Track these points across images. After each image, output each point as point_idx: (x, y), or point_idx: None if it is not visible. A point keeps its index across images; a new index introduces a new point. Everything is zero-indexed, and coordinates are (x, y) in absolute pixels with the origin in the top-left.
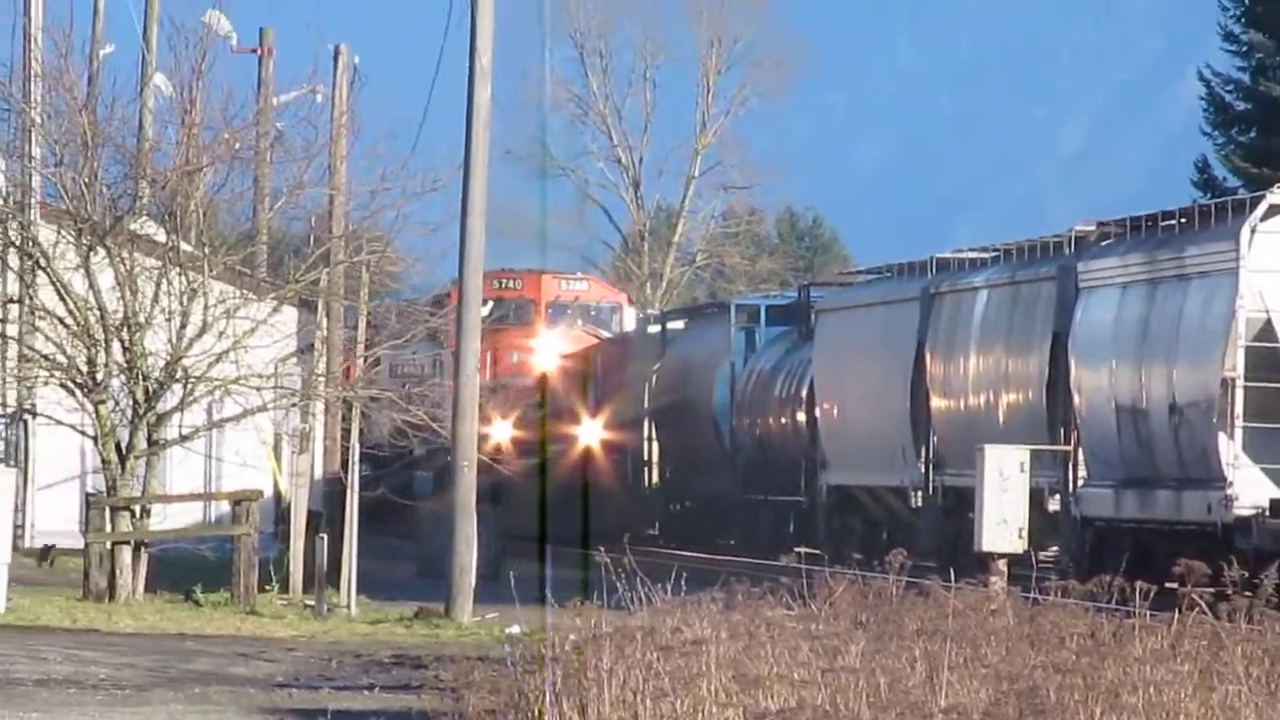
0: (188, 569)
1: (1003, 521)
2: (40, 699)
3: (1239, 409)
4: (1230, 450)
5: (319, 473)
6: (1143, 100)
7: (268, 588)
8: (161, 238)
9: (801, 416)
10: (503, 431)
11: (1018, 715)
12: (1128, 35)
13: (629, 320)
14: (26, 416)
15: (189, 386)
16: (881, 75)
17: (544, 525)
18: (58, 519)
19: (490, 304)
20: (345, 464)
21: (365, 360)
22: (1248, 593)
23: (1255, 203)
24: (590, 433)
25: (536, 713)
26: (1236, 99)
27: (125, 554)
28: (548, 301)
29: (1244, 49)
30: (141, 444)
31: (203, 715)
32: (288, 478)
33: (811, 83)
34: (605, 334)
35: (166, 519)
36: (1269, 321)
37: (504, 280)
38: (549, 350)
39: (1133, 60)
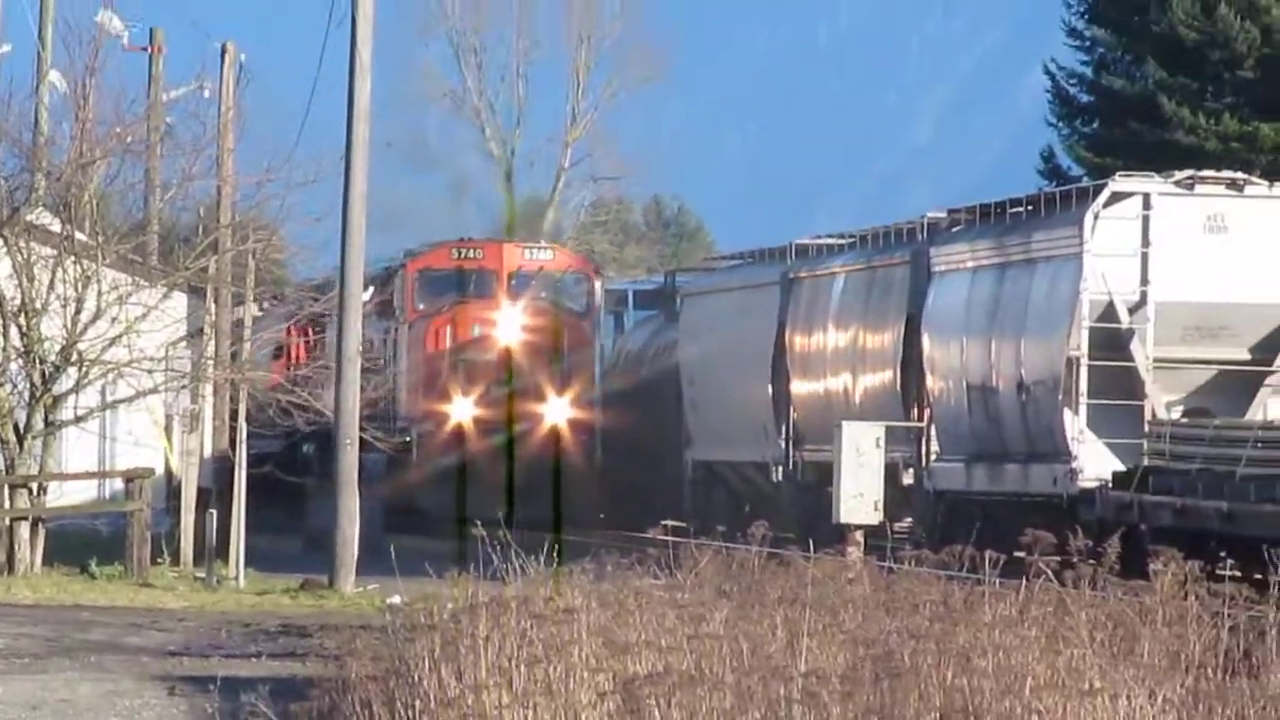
0: (83, 543)
1: (859, 495)
2: None
3: (1083, 387)
4: (1075, 426)
5: (208, 451)
6: (988, 91)
7: (160, 561)
8: (57, 228)
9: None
10: (464, 410)
11: (874, 679)
12: (973, 27)
13: (598, 292)
14: None
15: (84, 369)
16: (744, 68)
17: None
18: None
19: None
20: (233, 443)
21: (251, 344)
22: (1091, 561)
23: (1098, 191)
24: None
25: (416, 679)
26: (1080, 92)
27: (23, 529)
28: (510, 271)
29: (1087, 44)
30: (39, 424)
31: (98, 683)
32: (178, 456)
33: (677, 76)
34: (572, 306)
35: (63, 495)
36: (1111, 303)
37: (464, 250)
38: (512, 322)
39: (978, 51)
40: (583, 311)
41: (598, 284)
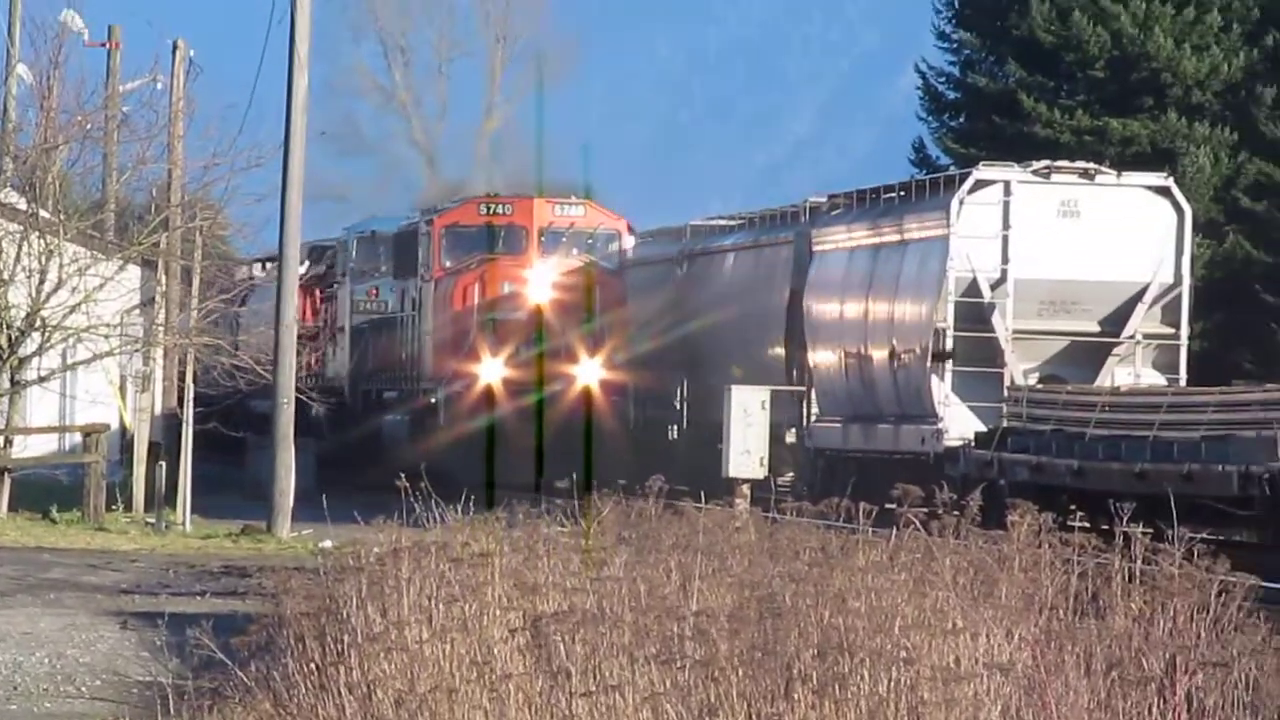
0: (45, 491)
1: (746, 452)
2: None
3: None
4: (941, 390)
5: (159, 409)
6: (865, 88)
7: (114, 508)
8: (23, 206)
9: None
10: (494, 370)
11: (758, 618)
12: (851, 31)
13: (630, 248)
14: None
15: (46, 334)
16: (643, 68)
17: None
18: None
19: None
20: (181, 401)
21: (199, 312)
22: (955, 513)
23: (963, 179)
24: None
25: (344, 616)
26: (948, 89)
27: None
28: (540, 227)
29: (954, 46)
30: (4, 384)
31: (57, 617)
32: (132, 413)
33: (583, 75)
34: (603, 263)
35: (27, 448)
36: (975, 280)
37: (492, 205)
38: (543, 280)
39: (855, 53)
40: (615, 269)
41: (630, 240)
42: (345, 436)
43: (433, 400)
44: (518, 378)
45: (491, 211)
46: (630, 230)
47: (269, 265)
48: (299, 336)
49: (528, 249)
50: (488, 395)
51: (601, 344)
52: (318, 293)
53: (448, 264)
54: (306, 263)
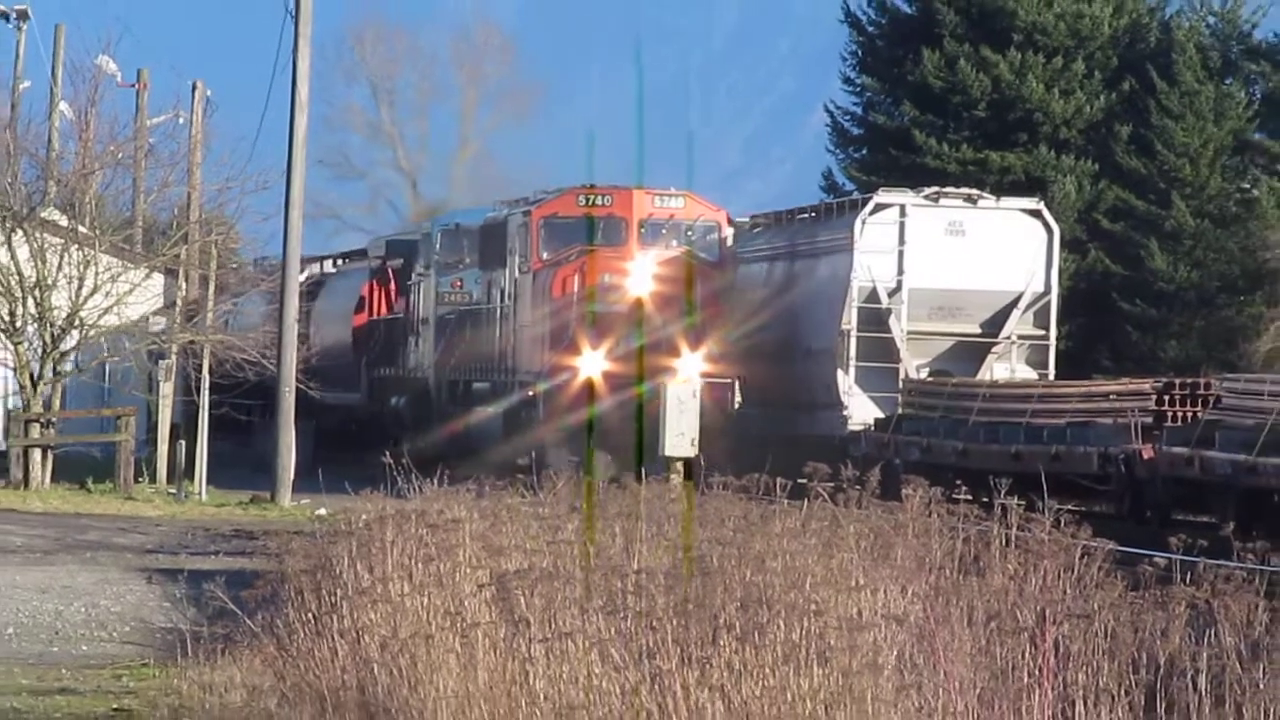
0: (82, 466)
1: (681, 434)
2: None
3: (853, 352)
4: (846, 382)
5: (179, 395)
6: (783, 125)
7: (140, 480)
8: (64, 222)
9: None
10: (594, 363)
11: (690, 575)
12: (771, 75)
13: (728, 239)
14: None
15: (84, 332)
16: (592, 107)
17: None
18: None
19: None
20: (198, 389)
21: (213, 312)
22: (858, 487)
23: (865, 202)
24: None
25: (337, 572)
26: (853, 126)
27: (36, 454)
28: (640, 219)
29: (858, 89)
30: (49, 374)
31: (92, 573)
32: (156, 398)
33: (543, 112)
34: (704, 255)
35: (67, 428)
36: (875, 289)
37: (591, 197)
38: (643, 272)
39: (774, 95)
40: (715, 260)
41: (729, 232)
42: (430, 426)
43: (530, 392)
44: (619, 371)
45: (591, 203)
46: (730, 222)
47: (339, 262)
48: (374, 326)
49: (628, 240)
50: (588, 388)
51: (703, 337)
52: (392, 285)
53: (546, 255)
54: (378, 259)
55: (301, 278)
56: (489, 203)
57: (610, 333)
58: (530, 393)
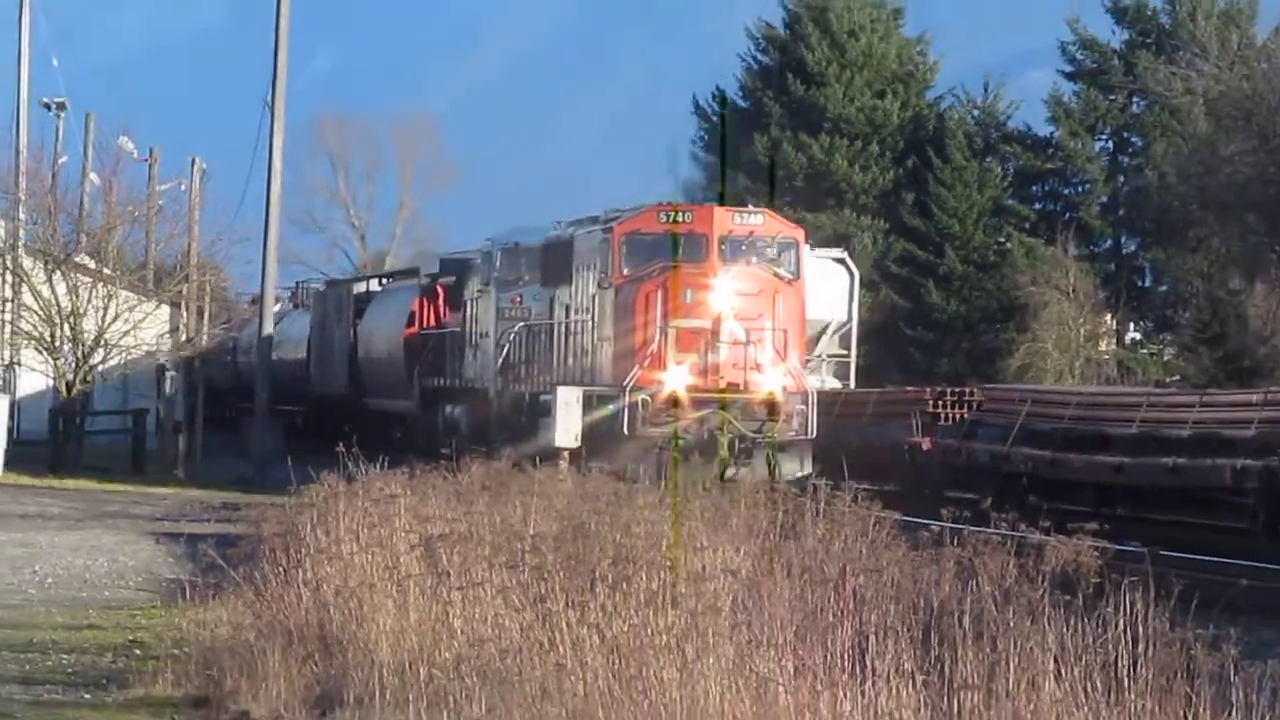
0: (108, 452)
1: (566, 430)
2: (22, 525)
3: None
4: None
5: (181, 398)
6: (648, 196)
7: (152, 465)
8: (92, 265)
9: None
10: (679, 377)
11: (573, 538)
12: (633, 154)
13: (805, 258)
14: (16, 366)
15: (107, 350)
16: (504, 182)
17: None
18: (33, 424)
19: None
20: (194, 392)
21: (208, 335)
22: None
23: None
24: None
25: (301, 535)
26: (699, 194)
27: (70, 445)
28: (720, 235)
29: (705, 167)
30: (79, 383)
31: (114, 535)
32: (162, 401)
33: (462, 184)
34: (782, 272)
35: (95, 424)
36: None
37: (672, 214)
38: (725, 289)
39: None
40: (793, 277)
41: (805, 249)
42: (489, 433)
43: (610, 407)
44: (702, 384)
45: (672, 219)
46: (807, 240)
47: (384, 281)
48: (425, 339)
49: (708, 256)
50: (672, 401)
51: (785, 351)
52: (441, 300)
53: (627, 271)
54: (428, 276)
55: (357, 291)
56: (478, 239)
57: (693, 347)
58: (609, 405)
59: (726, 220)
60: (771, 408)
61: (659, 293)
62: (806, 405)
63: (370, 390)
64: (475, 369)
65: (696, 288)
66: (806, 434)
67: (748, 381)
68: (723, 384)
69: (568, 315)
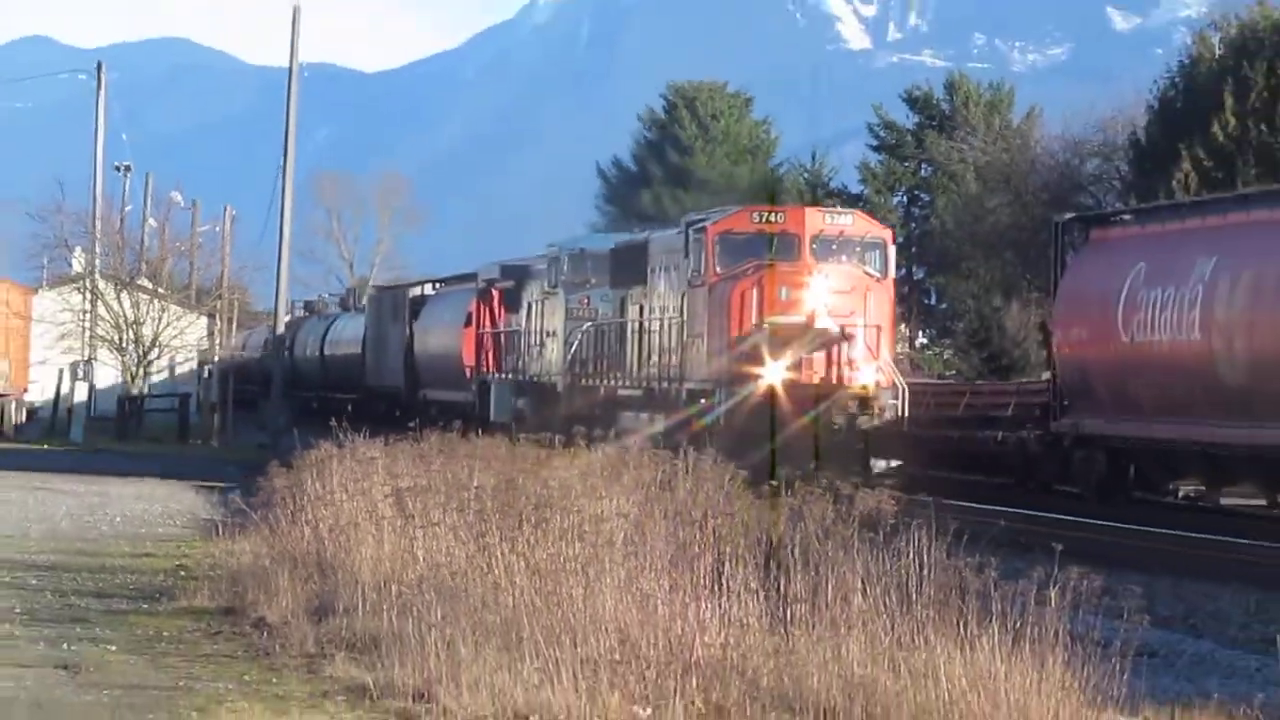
0: (161, 425)
1: (502, 408)
2: (98, 480)
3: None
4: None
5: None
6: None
7: (195, 436)
8: (150, 286)
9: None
10: (775, 373)
11: (505, 488)
12: (547, 205)
13: (893, 257)
14: (93, 361)
15: (161, 350)
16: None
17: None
18: (106, 405)
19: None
20: (225, 381)
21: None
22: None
23: None
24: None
25: (304, 487)
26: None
27: (132, 419)
28: (812, 235)
29: (606, 213)
30: (141, 375)
31: (165, 487)
32: (203, 387)
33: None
34: (871, 271)
35: (153, 404)
36: None
37: (765, 214)
38: (819, 286)
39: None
40: (882, 275)
41: (893, 249)
42: (553, 420)
43: (703, 400)
44: (798, 379)
45: (764, 220)
46: (895, 240)
47: (437, 285)
48: (482, 337)
49: (800, 255)
50: (770, 396)
51: (876, 349)
52: (495, 302)
53: (720, 270)
54: (485, 281)
55: (413, 295)
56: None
57: (788, 344)
58: (701, 400)
59: (818, 220)
60: (864, 402)
61: (754, 290)
62: (898, 399)
63: (425, 382)
64: (541, 364)
65: (791, 285)
66: (899, 427)
67: (842, 376)
68: (817, 379)
69: (641, 314)
